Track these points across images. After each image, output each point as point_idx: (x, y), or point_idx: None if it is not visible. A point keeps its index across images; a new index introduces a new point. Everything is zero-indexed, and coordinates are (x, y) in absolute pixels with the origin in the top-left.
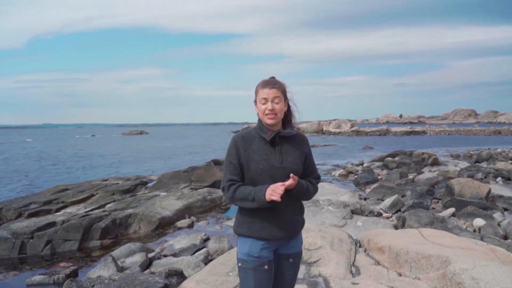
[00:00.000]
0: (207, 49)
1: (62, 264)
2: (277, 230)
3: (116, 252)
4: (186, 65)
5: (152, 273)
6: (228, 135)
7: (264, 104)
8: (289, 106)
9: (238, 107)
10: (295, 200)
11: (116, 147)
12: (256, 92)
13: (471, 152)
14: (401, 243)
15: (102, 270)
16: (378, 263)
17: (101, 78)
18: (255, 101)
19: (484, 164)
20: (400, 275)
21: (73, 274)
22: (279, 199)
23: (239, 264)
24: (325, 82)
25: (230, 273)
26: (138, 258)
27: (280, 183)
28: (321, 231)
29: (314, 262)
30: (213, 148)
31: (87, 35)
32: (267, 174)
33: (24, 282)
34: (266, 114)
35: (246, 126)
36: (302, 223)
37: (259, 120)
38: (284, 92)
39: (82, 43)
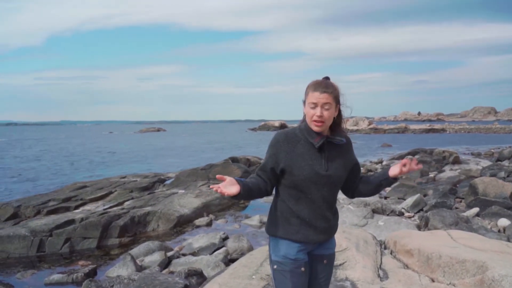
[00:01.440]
0: (225, 46)
1: (80, 263)
2: (313, 234)
3: (135, 251)
4: (203, 62)
5: (171, 272)
6: (245, 132)
7: (313, 108)
8: (339, 110)
9: (255, 104)
10: (332, 204)
11: (134, 144)
12: (306, 93)
13: (492, 150)
14: (432, 246)
15: (121, 269)
16: (406, 266)
17: (119, 75)
18: (304, 102)
19: (506, 163)
20: (432, 280)
21: (92, 273)
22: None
23: (275, 267)
24: (343, 79)
25: (254, 276)
26: (157, 257)
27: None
28: (345, 232)
29: (340, 265)
30: (230, 145)
31: (105, 32)
32: (311, 181)
33: (43, 281)
34: (314, 121)
35: (263, 123)
36: (337, 227)
37: (306, 123)
38: (336, 98)
39: (100, 40)
